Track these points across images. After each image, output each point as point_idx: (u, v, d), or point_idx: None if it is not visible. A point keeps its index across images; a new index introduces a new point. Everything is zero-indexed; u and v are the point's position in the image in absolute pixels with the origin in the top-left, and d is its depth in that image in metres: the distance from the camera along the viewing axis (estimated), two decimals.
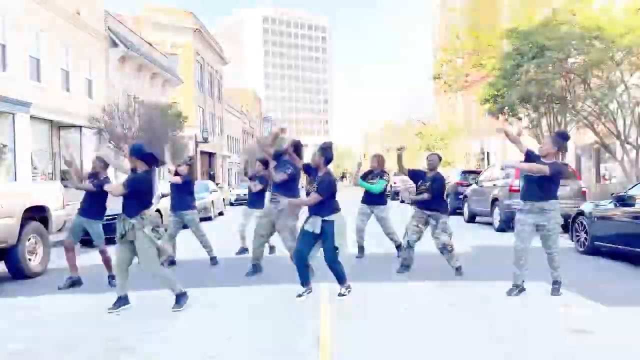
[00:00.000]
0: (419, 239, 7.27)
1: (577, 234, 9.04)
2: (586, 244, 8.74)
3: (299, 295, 5.78)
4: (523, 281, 5.93)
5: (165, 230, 6.44)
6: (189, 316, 5.30)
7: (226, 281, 7.01)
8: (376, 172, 8.44)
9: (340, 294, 5.82)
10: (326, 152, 5.82)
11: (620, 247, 7.97)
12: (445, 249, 7.03)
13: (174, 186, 8.48)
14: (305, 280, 5.86)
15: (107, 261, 7.03)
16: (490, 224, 13.39)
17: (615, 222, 8.19)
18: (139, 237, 5.45)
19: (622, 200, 8.03)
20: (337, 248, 5.67)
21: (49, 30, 18.42)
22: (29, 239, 7.83)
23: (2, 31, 15.99)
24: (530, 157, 5.87)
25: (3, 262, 7.69)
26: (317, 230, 5.70)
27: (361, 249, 8.56)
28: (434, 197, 7.06)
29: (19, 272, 7.62)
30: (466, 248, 7.92)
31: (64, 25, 19.52)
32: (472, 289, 6.29)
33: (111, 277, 6.94)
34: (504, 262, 7.81)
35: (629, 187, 8.92)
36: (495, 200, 13.11)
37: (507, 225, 12.59)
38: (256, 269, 7.26)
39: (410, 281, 6.76)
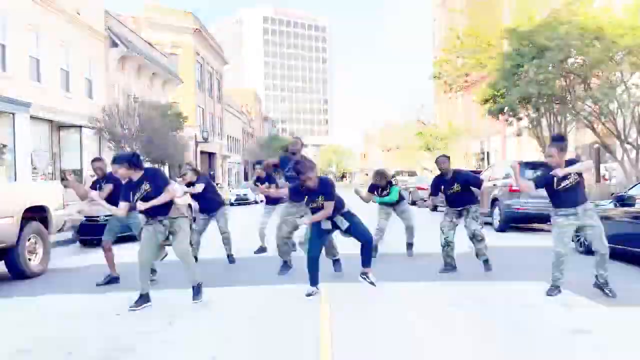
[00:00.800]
0: (454, 234, 7.24)
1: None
2: (586, 244, 8.74)
3: (309, 295, 5.83)
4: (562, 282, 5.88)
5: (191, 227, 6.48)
6: (189, 316, 5.30)
7: (226, 281, 7.01)
8: (382, 185, 8.53)
9: (371, 282, 5.88)
10: (302, 165, 5.90)
11: (620, 247, 7.97)
12: (475, 238, 7.08)
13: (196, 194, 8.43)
14: (315, 281, 5.92)
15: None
16: (490, 224, 13.39)
17: (615, 222, 8.18)
18: (182, 223, 5.61)
19: (622, 200, 8.03)
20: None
21: (49, 30, 18.42)
22: (29, 239, 7.82)
23: (2, 31, 16.00)
24: (548, 178, 5.75)
25: (3, 262, 7.69)
26: (344, 226, 5.85)
27: (375, 248, 8.56)
28: (463, 192, 7.14)
29: (19, 272, 7.61)
30: (466, 248, 7.90)
31: (64, 25, 19.53)
32: (472, 289, 6.28)
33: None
34: (503, 262, 7.82)
35: (629, 187, 8.92)
36: (495, 200, 13.11)
37: (507, 225, 12.62)
38: (287, 265, 7.23)
39: (410, 281, 6.76)
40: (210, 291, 6.39)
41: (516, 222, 12.59)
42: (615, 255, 8.22)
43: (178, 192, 5.84)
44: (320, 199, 5.76)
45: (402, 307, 5.51)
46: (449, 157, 7.35)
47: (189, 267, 5.66)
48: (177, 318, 5.22)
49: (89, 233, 11.17)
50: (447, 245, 7.13)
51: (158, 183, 5.53)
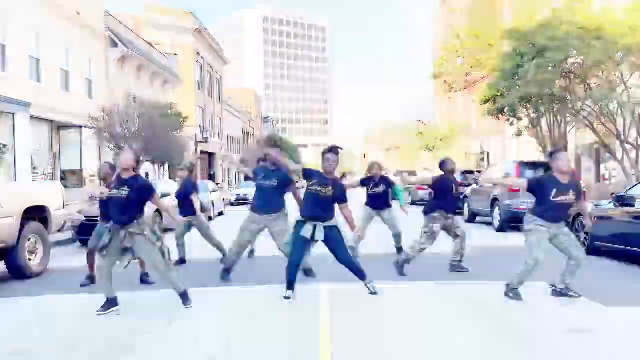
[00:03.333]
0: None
1: (577, 234, 9.04)
2: (586, 244, 8.74)
3: (287, 298, 5.75)
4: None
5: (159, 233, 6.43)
6: (188, 316, 5.30)
7: (226, 281, 7.00)
8: (377, 179, 8.57)
9: (372, 292, 5.85)
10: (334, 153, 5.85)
11: (620, 247, 7.98)
12: (464, 236, 7.41)
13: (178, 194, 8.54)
14: (292, 285, 5.84)
15: (142, 262, 6.87)
16: (490, 223, 13.39)
17: (615, 222, 8.19)
18: (139, 242, 5.43)
19: (622, 200, 8.03)
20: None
21: (49, 30, 18.42)
22: (29, 239, 7.82)
23: (2, 31, 15.99)
24: (549, 185, 5.69)
25: (3, 262, 7.69)
26: (321, 238, 5.76)
27: (351, 249, 8.54)
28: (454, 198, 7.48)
29: (19, 272, 7.61)
30: (466, 248, 7.90)
31: (64, 25, 19.52)
32: (472, 289, 6.29)
33: (144, 275, 7.01)
34: (503, 262, 7.83)
35: (629, 187, 8.92)
36: (495, 200, 13.12)
37: (507, 225, 12.62)
38: (229, 272, 7.12)
39: (409, 281, 6.77)
40: (210, 291, 6.40)
41: (516, 222, 12.59)
42: (615, 255, 8.25)
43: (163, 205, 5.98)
44: (330, 188, 5.72)
45: (401, 307, 5.52)
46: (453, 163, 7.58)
47: (166, 279, 5.57)
48: (177, 318, 5.22)
49: (89, 233, 11.12)
50: (422, 250, 7.28)
51: (137, 192, 5.41)
